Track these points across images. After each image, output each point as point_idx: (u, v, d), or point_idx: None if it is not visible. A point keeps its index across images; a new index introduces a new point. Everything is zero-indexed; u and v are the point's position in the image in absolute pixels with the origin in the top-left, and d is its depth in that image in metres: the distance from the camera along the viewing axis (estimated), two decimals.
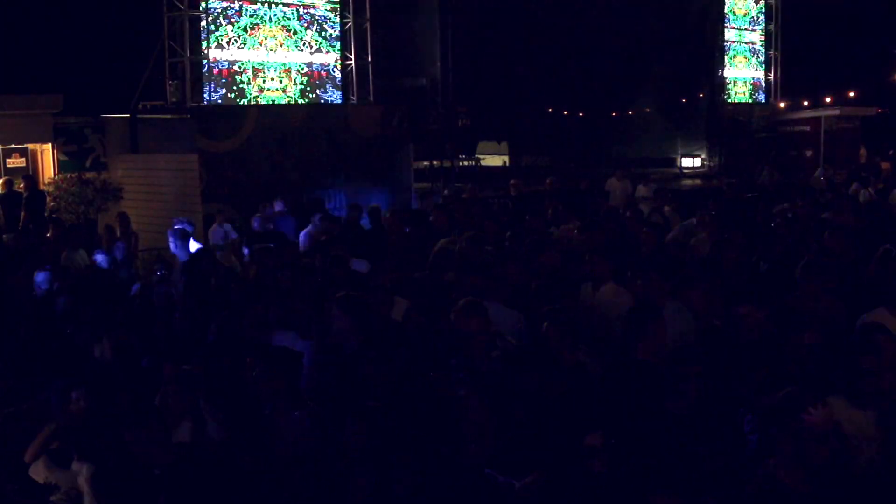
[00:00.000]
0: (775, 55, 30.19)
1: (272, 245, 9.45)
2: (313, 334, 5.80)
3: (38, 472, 4.96)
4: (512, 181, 16.50)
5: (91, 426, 4.97)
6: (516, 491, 3.71)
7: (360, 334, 5.38)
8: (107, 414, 5.08)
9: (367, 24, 19.60)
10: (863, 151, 23.54)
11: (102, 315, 6.77)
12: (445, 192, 16.81)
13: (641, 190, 15.81)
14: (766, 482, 3.55)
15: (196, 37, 17.23)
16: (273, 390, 4.73)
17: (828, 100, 36.74)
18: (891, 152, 22.13)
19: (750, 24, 29.75)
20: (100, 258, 10.12)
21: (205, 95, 17.31)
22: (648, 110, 30.62)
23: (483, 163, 29.06)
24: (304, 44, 18.91)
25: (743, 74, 29.83)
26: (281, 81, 18.60)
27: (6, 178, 15.57)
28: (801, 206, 11.44)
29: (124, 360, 6.07)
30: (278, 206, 13.76)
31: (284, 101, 18.61)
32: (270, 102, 18.34)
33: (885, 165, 19.94)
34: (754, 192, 16.57)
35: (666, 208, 12.56)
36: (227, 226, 13.35)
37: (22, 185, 15.28)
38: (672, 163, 29.66)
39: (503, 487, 3.74)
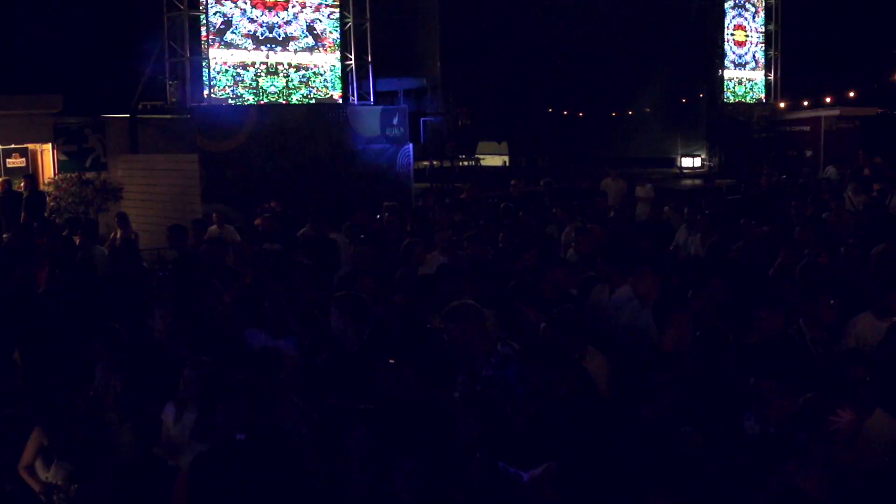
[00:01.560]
0: (775, 55, 30.19)
1: (278, 245, 9.49)
2: (299, 333, 5.81)
3: (38, 474, 4.95)
4: (513, 181, 16.52)
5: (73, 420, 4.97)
6: (525, 483, 3.73)
7: (359, 334, 5.40)
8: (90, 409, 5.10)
9: (367, 24, 19.61)
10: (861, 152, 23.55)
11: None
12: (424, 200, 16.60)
13: (639, 191, 15.82)
14: (783, 491, 3.54)
15: (196, 37, 17.24)
16: (262, 389, 4.73)
17: (828, 100, 36.74)
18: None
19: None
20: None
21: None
22: (648, 110, 30.64)
23: (483, 163, 29.10)
24: (304, 44, 18.92)
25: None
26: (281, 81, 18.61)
27: (6, 178, 15.57)
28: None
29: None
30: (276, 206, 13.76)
31: (284, 101, 18.61)
32: (270, 102, 18.35)
33: (877, 160, 20.04)
34: (751, 194, 16.58)
35: (665, 208, 12.59)
36: (228, 227, 13.32)
37: (22, 185, 15.28)
38: (672, 163, 29.67)
39: (513, 479, 3.76)
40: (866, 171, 18.72)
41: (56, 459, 4.78)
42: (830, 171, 20.76)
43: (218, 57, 17.50)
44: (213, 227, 13.04)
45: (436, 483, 3.90)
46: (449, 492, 3.90)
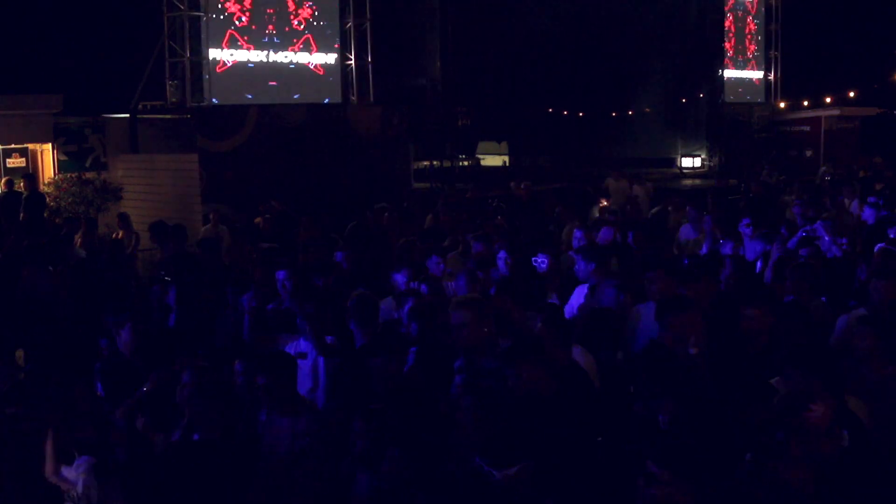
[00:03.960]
0: (775, 55, 30.19)
1: (276, 245, 9.48)
2: (313, 335, 5.81)
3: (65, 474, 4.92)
4: (511, 182, 16.48)
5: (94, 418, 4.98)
6: (496, 481, 3.73)
7: (368, 335, 5.42)
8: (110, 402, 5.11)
9: (368, 24, 19.60)
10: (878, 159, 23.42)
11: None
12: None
13: (637, 190, 15.82)
14: (768, 482, 3.54)
15: (196, 37, 17.24)
16: (264, 394, 4.72)
17: (828, 100, 36.71)
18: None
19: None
20: None
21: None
22: (648, 110, 30.63)
23: (483, 163, 29.09)
24: (304, 44, 18.92)
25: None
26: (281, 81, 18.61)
27: (6, 178, 15.56)
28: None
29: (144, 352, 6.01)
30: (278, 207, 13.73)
31: (284, 101, 18.61)
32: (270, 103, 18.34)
33: (877, 160, 20.03)
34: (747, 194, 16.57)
35: (662, 207, 12.61)
36: (222, 227, 13.32)
37: (22, 185, 15.26)
38: (672, 163, 29.67)
39: (486, 477, 3.77)
40: (862, 174, 18.69)
41: (77, 454, 4.77)
42: (821, 170, 20.78)
43: (217, 57, 17.51)
44: (208, 226, 13.05)
45: (419, 472, 3.92)
46: (430, 482, 3.92)
